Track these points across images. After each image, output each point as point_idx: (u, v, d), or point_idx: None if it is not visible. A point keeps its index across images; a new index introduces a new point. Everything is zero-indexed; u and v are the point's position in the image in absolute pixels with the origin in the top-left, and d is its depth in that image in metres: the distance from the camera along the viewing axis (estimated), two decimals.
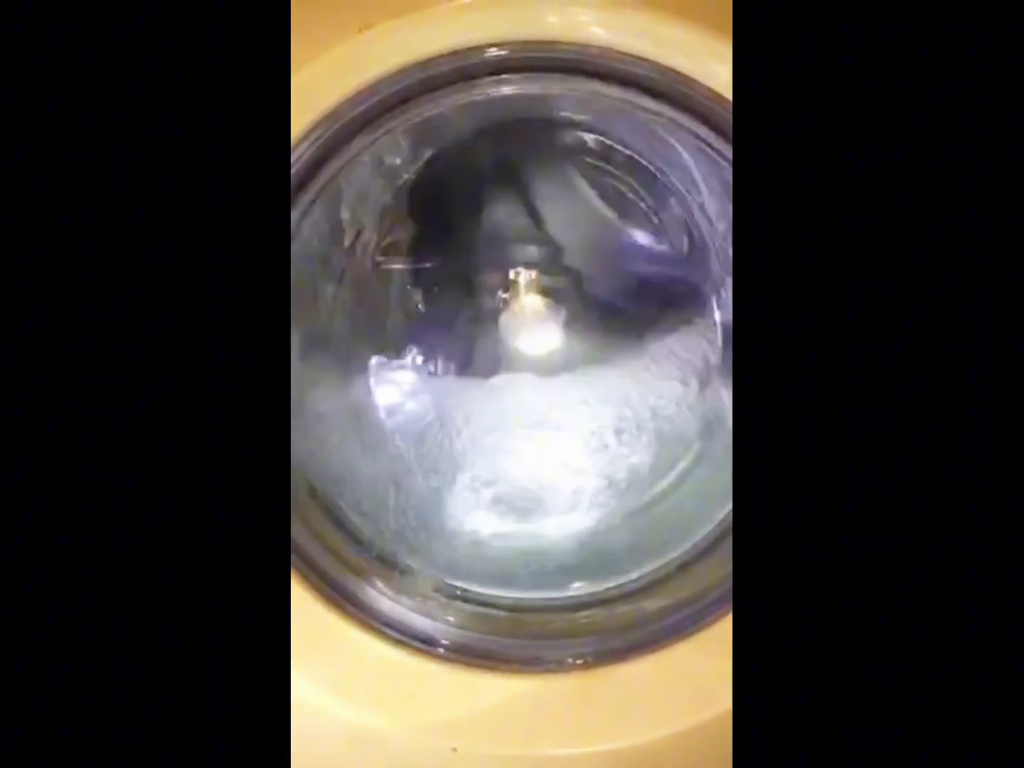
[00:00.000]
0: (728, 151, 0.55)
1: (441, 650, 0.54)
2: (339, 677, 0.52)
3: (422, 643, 0.54)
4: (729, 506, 0.59)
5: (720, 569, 0.56)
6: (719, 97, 0.53)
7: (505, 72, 0.56)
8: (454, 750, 0.51)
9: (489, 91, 0.58)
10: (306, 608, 0.52)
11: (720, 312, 0.66)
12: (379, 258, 0.68)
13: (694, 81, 0.54)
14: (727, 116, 0.54)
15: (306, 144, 0.55)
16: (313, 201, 0.58)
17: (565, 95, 0.61)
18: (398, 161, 0.63)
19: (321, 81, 0.54)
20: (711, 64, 0.53)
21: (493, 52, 0.55)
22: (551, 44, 0.55)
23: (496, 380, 0.67)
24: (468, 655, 0.54)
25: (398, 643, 0.53)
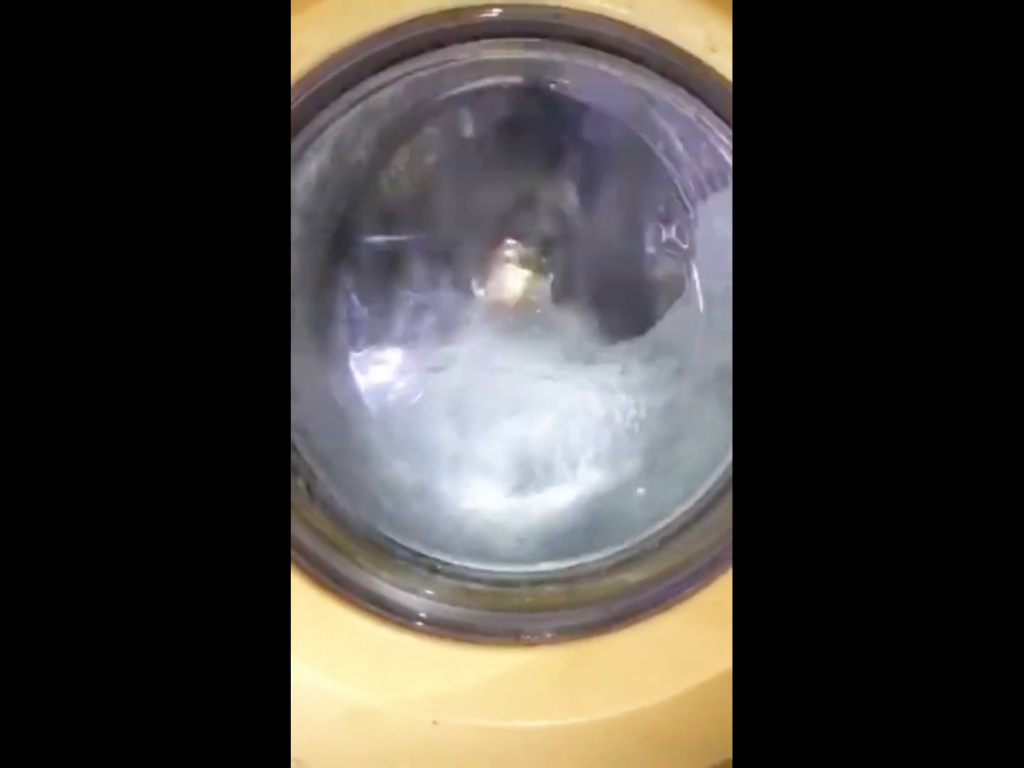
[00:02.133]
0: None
1: (420, 624, 0.53)
2: (318, 651, 0.51)
3: (402, 617, 0.53)
4: (707, 485, 0.58)
5: (701, 541, 0.56)
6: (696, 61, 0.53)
7: (484, 37, 0.56)
8: (434, 723, 0.50)
9: (467, 57, 0.57)
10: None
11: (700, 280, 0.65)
12: (354, 234, 0.67)
13: (679, 49, 0.54)
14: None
15: None
16: None
17: (541, 60, 0.60)
18: (371, 132, 0.62)
19: (293, 45, 0.53)
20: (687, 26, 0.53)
21: (472, 16, 0.55)
22: (534, 8, 0.54)
23: (478, 354, 0.66)
24: (449, 629, 0.53)
25: (377, 617, 0.52)
